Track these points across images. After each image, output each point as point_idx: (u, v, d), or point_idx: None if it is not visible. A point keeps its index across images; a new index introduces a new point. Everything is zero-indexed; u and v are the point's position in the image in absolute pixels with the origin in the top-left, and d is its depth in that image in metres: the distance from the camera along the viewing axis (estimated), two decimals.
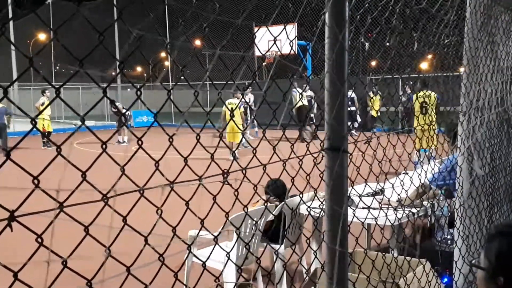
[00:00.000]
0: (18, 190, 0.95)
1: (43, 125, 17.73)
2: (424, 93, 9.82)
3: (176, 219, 1.10)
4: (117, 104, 19.73)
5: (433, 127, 3.39)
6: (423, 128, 3.88)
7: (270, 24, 1.58)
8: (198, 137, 1.33)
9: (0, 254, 0.86)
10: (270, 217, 4.46)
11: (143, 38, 1.05)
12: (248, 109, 19.65)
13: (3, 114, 17.27)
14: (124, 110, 19.07)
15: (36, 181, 0.90)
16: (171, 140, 1.17)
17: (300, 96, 15.97)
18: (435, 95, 9.22)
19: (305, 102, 18.00)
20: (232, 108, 14.52)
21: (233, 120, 1.62)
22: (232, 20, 1.26)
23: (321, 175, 1.80)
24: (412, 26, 2.41)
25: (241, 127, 13.53)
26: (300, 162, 1.75)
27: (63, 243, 1.01)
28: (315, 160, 1.80)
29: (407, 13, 2.34)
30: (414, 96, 10.83)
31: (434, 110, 7.55)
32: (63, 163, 0.98)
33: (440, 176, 4.33)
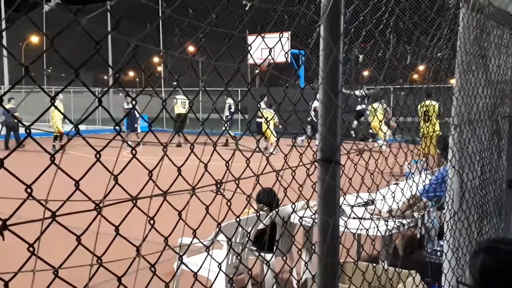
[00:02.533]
0: (12, 196, 0.94)
1: (57, 128, 17.67)
2: (425, 103, 10.13)
3: (167, 226, 1.10)
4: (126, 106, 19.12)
5: (436, 135, 3.42)
6: (425, 136, 3.92)
7: (263, 32, 1.58)
8: (192, 147, 1.33)
9: None
10: (261, 226, 4.45)
11: (137, 45, 1.05)
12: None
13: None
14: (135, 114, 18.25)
15: (29, 190, 0.89)
16: (165, 150, 1.16)
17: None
18: (438, 104, 9.41)
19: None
20: (267, 117, 14.89)
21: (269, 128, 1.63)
22: (228, 31, 1.26)
23: (314, 186, 1.81)
24: (405, 39, 2.43)
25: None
26: (293, 173, 1.75)
27: (54, 250, 1.00)
28: (307, 171, 1.80)
29: (400, 27, 2.36)
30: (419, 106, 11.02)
31: (437, 120, 7.68)
32: (57, 170, 0.97)
33: (430, 188, 4.36)
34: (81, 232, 1.08)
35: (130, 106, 23.74)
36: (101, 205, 1.03)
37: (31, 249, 0.91)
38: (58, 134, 17.59)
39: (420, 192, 4.43)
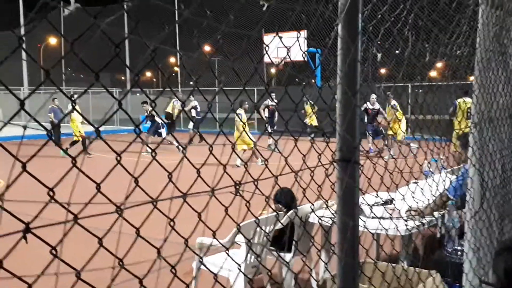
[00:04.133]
0: (34, 198, 0.95)
1: (79, 131, 16.99)
2: (465, 100, 10.26)
3: (186, 226, 1.10)
4: (147, 107, 17.87)
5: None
6: (464, 132, 3.89)
7: (280, 31, 1.58)
8: (210, 148, 1.33)
9: (15, 266, 0.86)
10: (279, 225, 4.45)
11: (155, 47, 1.06)
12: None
13: (58, 113, 17.57)
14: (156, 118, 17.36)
15: (51, 193, 0.90)
16: (184, 152, 1.16)
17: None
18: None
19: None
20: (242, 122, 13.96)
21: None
22: (245, 32, 1.26)
23: (333, 186, 1.80)
24: (424, 37, 2.40)
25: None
26: (312, 174, 1.74)
27: (76, 251, 1.01)
28: (326, 172, 1.79)
29: (419, 24, 2.34)
30: (457, 102, 11.08)
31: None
32: (78, 173, 0.98)
33: (457, 185, 4.31)
34: (101, 233, 1.09)
35: (151, 109, 23.50)
36: (122, 207, 1.03)
37: (54, 251, 0.91)
38: (78, 139, 16.90)
39: (449, 191, 4.39)
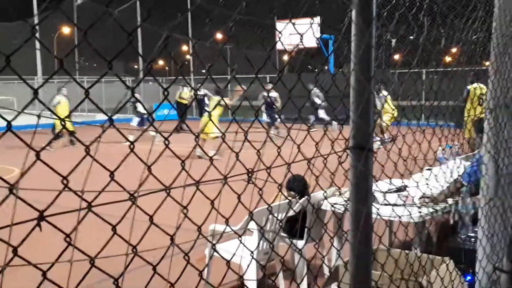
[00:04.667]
0: (48, 185, 0.96)
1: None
2: (479, 86, 10.13)
3: (199, 213, 1.10)
4: (137, 105, 17.39)
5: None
6: (478, 118, 3.85)
7: (293, 17, 1.56)
8: (223, 136, 1.32)
9: (29, 253, 0.87)
10: (291, 213, 4.45)
11: (168, 35, 1.05)
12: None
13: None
14: (143, 111, 16.98)
15: (65, 181, 0.90)
16: (196, 140, 1.16)
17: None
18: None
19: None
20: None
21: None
22: (257, 20, 1.25)
23: (346, 174, 1.79)
24: (439, 22, 2.37)
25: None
26: (325, 161, 1.73)
27: (89, 238, 1.02)
28: (339, 159, 1.78)
29: (434, 10, 2.30)
30: (470, 87, 10.95)
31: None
32: (90, 161, 0.99)
33: (472, 171, 4.27)
34: (115, 220, 1.10)
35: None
36: (135, 195, 1.04)
37: (68, 239, 0.92)
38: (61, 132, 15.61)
39: (463, 177, 4.36)
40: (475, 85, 10.74)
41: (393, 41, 2.08)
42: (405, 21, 2.16)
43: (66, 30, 39.26)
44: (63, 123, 0.94)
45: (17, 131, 0.88)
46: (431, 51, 2.39)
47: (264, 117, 17.73)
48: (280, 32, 1.49)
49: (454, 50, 3.09)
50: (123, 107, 1.00)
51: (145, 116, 17.15)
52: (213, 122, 11.60)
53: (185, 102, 20.24)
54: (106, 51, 0.99)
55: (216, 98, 13.18)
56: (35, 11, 30.48)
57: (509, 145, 3.35)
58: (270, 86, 17.05)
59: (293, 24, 1.47)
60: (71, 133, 16.58)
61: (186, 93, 20.31)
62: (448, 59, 3.11)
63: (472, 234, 4.39)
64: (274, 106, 17.32)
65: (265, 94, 15.88)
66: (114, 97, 16.92)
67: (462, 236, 4.48)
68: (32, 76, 30.23)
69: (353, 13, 1.67)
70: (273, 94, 17.47)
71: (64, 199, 0.95)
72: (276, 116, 17.36)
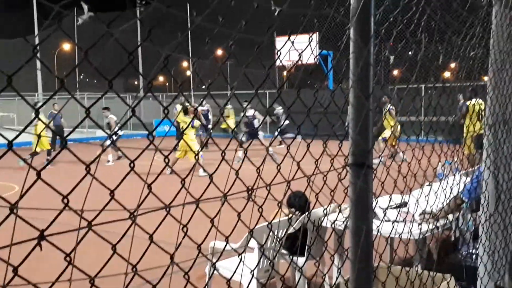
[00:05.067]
0: (49, 204, 0.96)
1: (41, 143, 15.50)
2: (478, 101, 10.15)
3: (199, 230, 1.10)
4: (109, 116, 16.07)
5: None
6: (477, 134, 3.86)
7: (292, 34, 1.57)
8: (223, 154, 1.33)
9: (29, 273, 0.87)
10: (292, 229, 4.44)
11: (168, 55, 1.06)
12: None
13: (58, 118, 17.46)
14: (115, 126, 15.38)
15: (65, 200, 0.91)
16: (196, 158, 1.17)
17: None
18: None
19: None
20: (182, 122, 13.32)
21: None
22: (257, 38, 1.26)
23: (345, 191, 1.79)
24: (437, 39, 2.39)
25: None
26: (324, 178, 1.73)
27: (89, 256, 1.01)
28: (339, 176, 1.78)
29: (432, 26, 2.32)
30: (469, 104, 10.98)
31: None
32: (92, 180, 0.99)
33: (472, 188, 4.26)
34: (116, 237, 1.09)
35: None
36: (135, 213, 1.04)
37: (68, 258, 0.92)
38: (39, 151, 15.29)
39: (462, 194, 4.35)
40: (473, 101, 10.76)
41: (391, 57, 2.09)
42: (403, 38, 2.17)
43: (66, 46, 39.49)
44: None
45: (17, 148, 0.89)
46: (429, 67, 2.41)
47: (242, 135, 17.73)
48: (279, 51, 1.50)
49: (452, 65, 3.11)
50: (124, 125, 1.00)
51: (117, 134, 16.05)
52: (185, 141, 11.68)
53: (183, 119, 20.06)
54: (106, 67, 1.00)
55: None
56: (36, 29, 30.70)
57: (508, 161, 3.35)
58: (249, 108, 16.96)
59: (292, 42, 1.48)
60: (48, 152, 15.88)
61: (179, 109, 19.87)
62: (446, 74, 3.13)
63: (473, 251, 4.37)
64: (254, 124, 17.22)
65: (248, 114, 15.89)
66: (114, 113, 16.93)
67: (463, 253, 4.46)
68: (33, 92, 30.34)
69: (351, 30, 1.68)
70: (250, 112, 17.29)
71: (64, 216, 0.95)
72: (260, 133, 17.45)
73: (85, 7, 0.93)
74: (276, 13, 1.33)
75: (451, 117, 2.63)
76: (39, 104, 14.75)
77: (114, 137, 16.67)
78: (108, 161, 15.90)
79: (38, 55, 0.91)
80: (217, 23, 1.25)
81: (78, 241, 0.93)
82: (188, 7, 26.46)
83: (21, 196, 0.83)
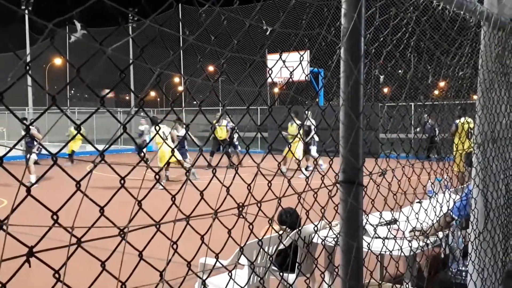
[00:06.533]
0: (38, 221, 0.96)
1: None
2: (466, 120, 10.25)
3: (189, 247, 1.10)
4: (32, 128, 13.89)
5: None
6: (466, 152, 3.89)
7: (283, 51, 1.60)
8: (214, 171, 1.33)
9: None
10: (282, 246, 4.42)
11: (160, 72, 1.07)
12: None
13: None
14: (35, 135, 14.24)
15: (55, 217, 0.90)
16: (187, 174, 1.17)
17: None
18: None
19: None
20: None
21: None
22: (249, 57, 1.27)
23: (336, 208, 1.80)
24: (426, 59, 2.42)
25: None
26: (315, 195, 1.74)
27: (79, 272, 1.01)
28: (329, 193, 1.79)
29: (421, 46, 2.36)
30: (458, 122, 11.09)
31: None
32: (83, 197, 0.99)
33: (461, 205, 4.29)
34: (105, 253, 1.09)
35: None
36: (125, 230, 1.04)
37: (57, 275, 0.92)
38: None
39: (453, 211, 4.37)
40: (462, 119, 10.87)
41: (381, 77, 2.12)
42: (393, 57, 2.20)
43: (57, 61, 39.46)
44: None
45: (6, 162, 0.89)
46: (418, 87, 2.44)
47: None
48: (270, 69, 1.52)
49: (442, 84, 3.15)
50: (115, 141, 1.00)
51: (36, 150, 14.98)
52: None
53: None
54: (96, 81, 1.00)
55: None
56: (27, 45, 30.68)
57: (497, 179, 3.38)
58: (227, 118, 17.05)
59: (283, 61, 1.50)
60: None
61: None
62: (435, 92, 3.17)
63: (463, 268, 4.37)
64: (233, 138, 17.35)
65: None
66: (104, 127, 16.92)
67: (453, 270, 4.46)
68: (23, 107, 30.23)
69: (342, 50, 1.71)
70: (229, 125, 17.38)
71: (53, 231, 0.95)
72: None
73: (78, 25, 0.94)
74: (267, 33, 1.35)
75: (441, 134, 2.66)
76: (30, 120, 14.61)
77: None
78: (30, 182, 13.52)
79: (30, 71, 0.92)
80: (209, 40, 1.27)
81: (67, 258, 0.92)
82: (180, 25, 26.63)
83: (12, 211, 0.82)
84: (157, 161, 12.97)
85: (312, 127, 16.61)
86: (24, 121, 15.10)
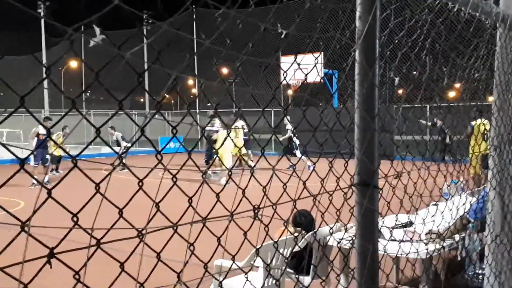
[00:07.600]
0: (59, 222, 0.97)
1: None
2: (483, 121, 10.11)
3: (205, 248, 1.11)
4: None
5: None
6: (482, 154, 3.85)
7: (298, 53, 1.60)
8: (230, 173, 1.34)
9: None
10: (297, 248, 4.42)
11: (176, 76, 1.08)
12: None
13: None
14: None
15: (75, 219, 0.92)
16: (204, 176, 1.18)
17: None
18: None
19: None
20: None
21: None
22: (264, 60, 1.28)
23: (351, 210, 1.80)
24: (442, 61, 2.41)
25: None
26: (330, 197, 1.74)
27: (98, 273, 1.02)
28: (345, 196, 1.79)
29: (436, 49, 2.35)
30: (474, 123, 10.98)
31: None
32: (102, 199, 1.00)
33: (478, 208, 4.25)
34: (124, 254, 1.11)
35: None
36: (143, 232, 1.05)
37: (77, 276, 0.93)
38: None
39: (469, 214, 4.33)
40: (478, 121, 10.74)
41: (396, 79, 2.11)
42: (408, 59, 2.20)
43: (73, 64, 39.78)
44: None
45: (15, 164, 0.91)
46: (433, 89, 2.43)
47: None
48: (285, 72, 1.52)
49: (457, 85, 3.12)
50: (133, 145, 1.02)
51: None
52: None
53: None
54: (113, 84, 1.02)
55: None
56: (43, 48, 31.03)
57: None
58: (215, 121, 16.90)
59: (298, 64, 1.50)
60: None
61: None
62: (451, 93, 3.15)
63: (480, 271, 4.33)
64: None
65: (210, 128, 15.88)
66: (120, 129, 17.04)
67: (470, 273, 4.42)
68: (39, 109, 30.54)
69: (357, 52, 1.71)
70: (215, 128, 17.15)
71: (73, 233, 0.97)
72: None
73: (97, 30, 0.95)
74: (282, 36, 1.36)
75: (457, 137, 2.64)
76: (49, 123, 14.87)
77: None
78: (33, 183, 13.33)
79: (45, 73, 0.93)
80: (222, 43, 1.28)
81: (87, 259, 0.94)
82: (194, 28, 26.72)
83: (33, 213, 0.84)
84: (218, 159, 13.15)
85: (289, 131, 16.87)
86: (49, 121, 15.51)
